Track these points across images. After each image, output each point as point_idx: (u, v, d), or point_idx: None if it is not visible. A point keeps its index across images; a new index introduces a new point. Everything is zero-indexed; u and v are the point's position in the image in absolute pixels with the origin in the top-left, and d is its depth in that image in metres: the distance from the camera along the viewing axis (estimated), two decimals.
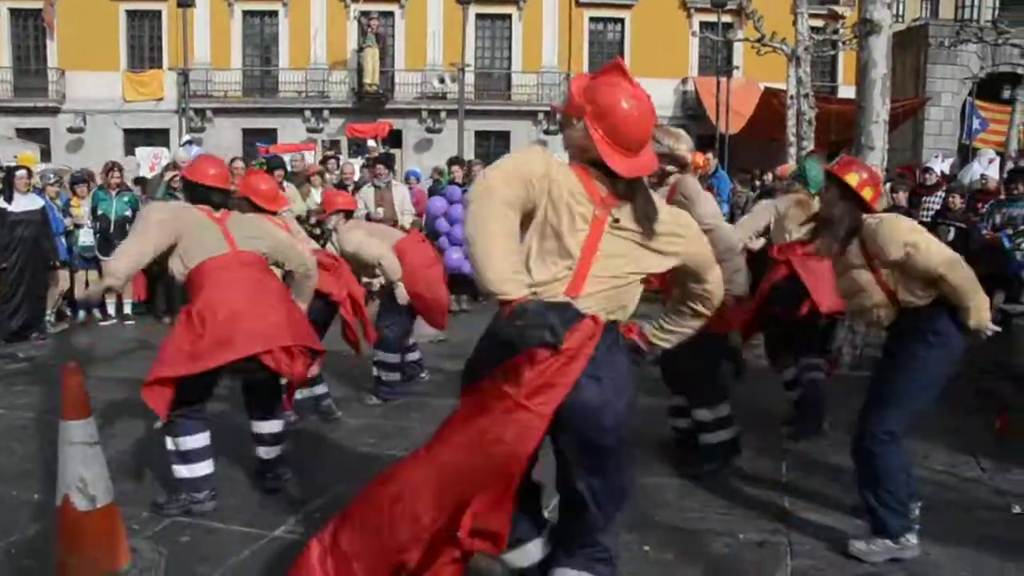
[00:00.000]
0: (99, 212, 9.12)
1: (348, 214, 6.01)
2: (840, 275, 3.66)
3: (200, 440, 3.96)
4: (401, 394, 6.03)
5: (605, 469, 2.56)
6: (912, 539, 3.46)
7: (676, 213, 2.74)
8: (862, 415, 3.56)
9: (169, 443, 3.95)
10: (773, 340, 5.57)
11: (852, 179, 3.55)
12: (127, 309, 9.50)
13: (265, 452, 4.27)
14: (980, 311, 3.46)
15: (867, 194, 3.54)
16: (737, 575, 3.31)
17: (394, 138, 24.05)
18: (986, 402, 5.76)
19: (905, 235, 3.42)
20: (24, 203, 8.40)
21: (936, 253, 3.42)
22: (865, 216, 3.54)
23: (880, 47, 6.80)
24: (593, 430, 2.47)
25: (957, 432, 5.15)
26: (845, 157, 4.10)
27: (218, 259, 3.96)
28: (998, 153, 12.95)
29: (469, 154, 22.52)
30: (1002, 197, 8.80)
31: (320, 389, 5.56)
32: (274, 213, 5.22)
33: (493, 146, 27.84)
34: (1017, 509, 3.94)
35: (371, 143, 18.23)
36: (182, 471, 3.93)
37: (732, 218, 10.99)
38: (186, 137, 14.21)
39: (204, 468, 3.95)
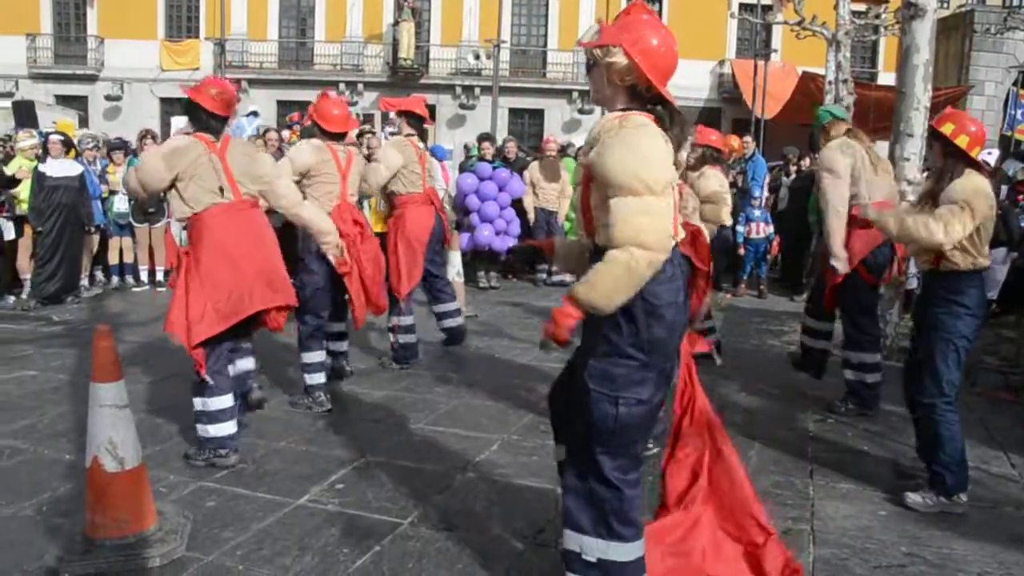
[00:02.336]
0: None
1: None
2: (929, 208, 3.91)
3: (226, 401, 4.13)
4: (425, 367, 6.06)
5: None
6: (963, 498, 3.75)
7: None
8: (913, 389, 3.94)
9: (198, 404, 4.11)
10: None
11: (962, 140, 3.81)
12: (159, 276, 9.60)
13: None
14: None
15: (962, 142, 3.79)
16: None
17: (428, 113, 24.02)
18: (1017, 397, 5.68)
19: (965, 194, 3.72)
20: (63, 168, 8.51)
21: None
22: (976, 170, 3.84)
23: (924, 32, 6.66)
24: None
25: (987, 428, 5.09)
26: (947, 111, 4.15)
27: (222, 206, 4.09)
28: None
29: (503, 132, 22.44)
30: None
31: (342, 346, 5.73)
32: (343, 136, 5.37)
33: (527, 124, 27.73)
34: None
35: (392, 115, 18.17)
36: (209, 430, 4.10)
37: (775, 205, 10.87)
38: (252, 107, 14.24)
39: (229, 428, 4.13)
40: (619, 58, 2.46)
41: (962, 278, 3.82)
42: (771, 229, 10.18)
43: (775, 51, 25.88)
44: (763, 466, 4.29)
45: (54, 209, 8.37)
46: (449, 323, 6.55)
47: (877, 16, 21.14)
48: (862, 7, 24.70)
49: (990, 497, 3.99)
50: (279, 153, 9.82)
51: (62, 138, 8.81)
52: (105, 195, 9.35)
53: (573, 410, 2.61)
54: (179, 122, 15.45)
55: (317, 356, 5.19)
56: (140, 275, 9.59)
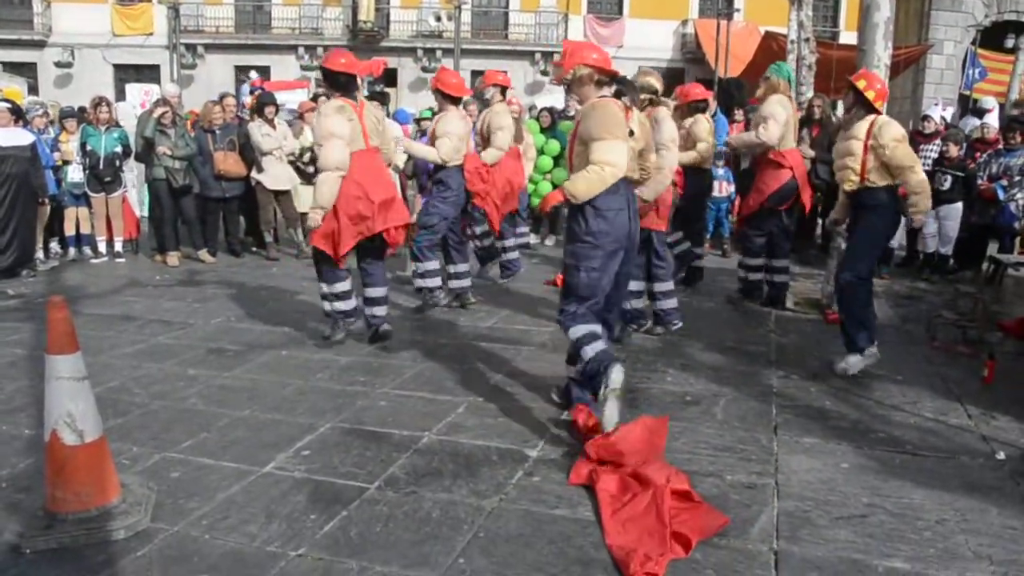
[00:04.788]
0: (88, 148, 8.99)
1: None
2: (842, 142, 5.29)
3: (347, 284, 5.59)
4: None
5: None
6: (873, 349, 5.15)
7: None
8: (840, 269, 5.28)
9: (325, 288, 5.59)
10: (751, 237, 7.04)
11: (869, 94, 5.16)
12: (118, 247, 9.42)
13: (373, 312, 5.72)
14: (924, 202, 5.10)
15: (870, 95, 5.17)
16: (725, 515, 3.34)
17: (389, 77, 23.70)
18: (974, 350, 5.79)
19: (895, 134, 5.05)
20: (12, 138, 8.25)
21: (909, 155, 5.07)
22: (876, 115, 5.17)
23: None
24: None
25: (945, 380, 5.19)
26: (862, 71, 5.81)
27: (362, 153, 5.35)
28: (999, 103, 12.80)
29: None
30: (1000, 147, 8.72)
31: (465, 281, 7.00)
32: (460, 100, 6.75)
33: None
34: (1001, 455, 3.97)
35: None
36: (339, 305, 5.62)
37: (736, 160, 10.90)
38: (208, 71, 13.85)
39: (353, 302, 5.66)
40: (581, 72, 4.07)
41: (880, 190, 5.12)
42: (732, 188, 10.21)
43: (737, 11, 25.83)
44: (728, 422, 4.34)
45: (4, 180, 8.13)
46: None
47: None
48: None
49: (947, 447, 4.08)
50: (236, 120, 9.66)
51: (9, 106, 8.54)
52: (59, 164, 9.11)
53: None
54: (133, 90, 15.13)
55: (433, 264, 6.65)
56: (98, 246, 9.38)
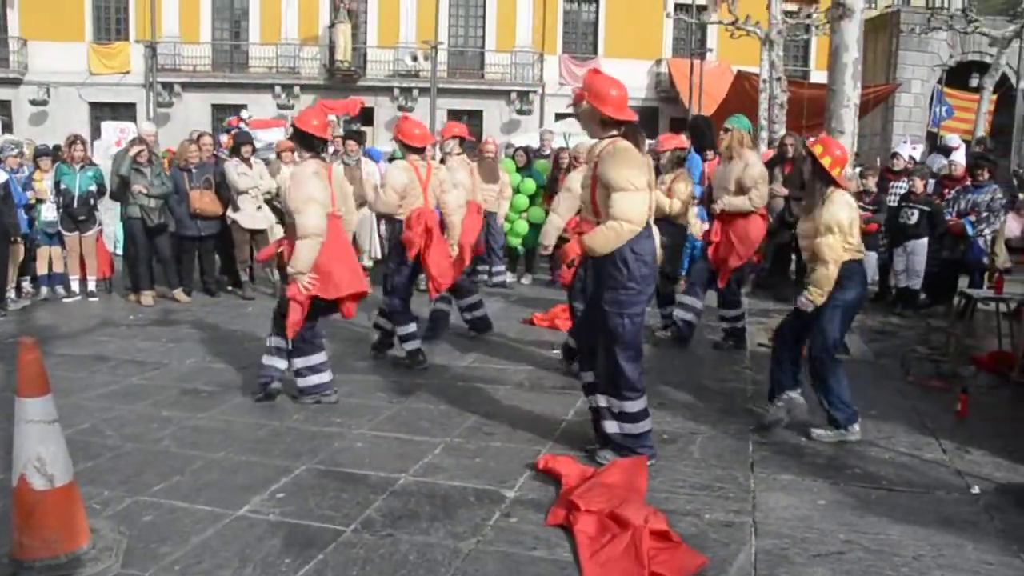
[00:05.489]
0: (62, 186, 8.93)
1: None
2: (804, 223, 4.84)
3: (321, 357, 5.33)
4: (366, 372, 6.00)
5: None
6: (855, 428, 4.71)
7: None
8: (810, 347, 4.81)
9: (300, 362, 5.27)
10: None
11: (826, 160, 4.64)
12: (92, 286, 9.33)
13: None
14: (816, 295, 4.64)
15: (826, 162, 4.64)
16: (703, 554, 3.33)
17: (366, 116, 23.83)
18: (947, 384, 5.85)
19: (833, 218, 4.56)
20: None
21: (833, 248, 4.56)
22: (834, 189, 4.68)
23: (852, 31, 6.83)
24: None
25: (919, 414, 5.23)
26: (822, 136, 5.48)
27: (331, 218, 5.19)
28: (964, 141, 13.07)
29: None
30: (967, 183, 8.89)
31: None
32: (423, 150, 6.41)
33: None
34: (976, 490, 4.00)
35: (331, 118, 18.05)
36: (313, 379, 5.27)
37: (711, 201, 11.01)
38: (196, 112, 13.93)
39: (328, 376, 5.33)
40: (585, 107, 4.06)
41: (850, 264, 4.66)
42: (707, 226, 10.30)
43: (710, 50, 26.30)
44: (705, 460, 4.34)
45: None
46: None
47: (808, 16, 21.64)
48: (794, 7, 25.27)
49: (922, 482, 4.10)
50: (212, 159, 9.65)
51: None
52: (32, 202, 9.03)
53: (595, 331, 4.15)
54: (109, 128, 15.10)
55: (410, 328, 6.27)
56: (71, 285, 9.28)
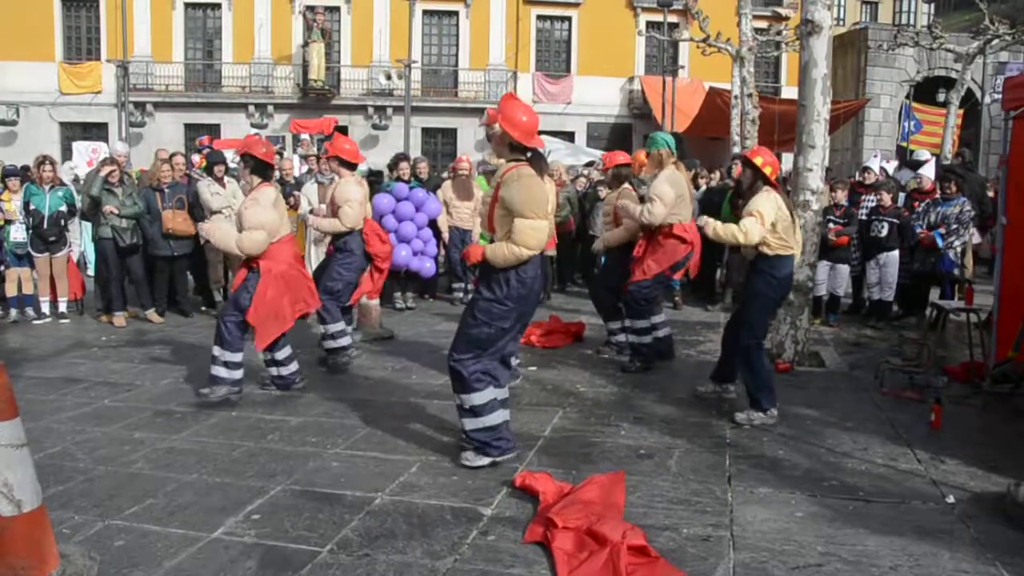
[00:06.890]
0: (32, 207, 8.83)
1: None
2: (745, 216, 5.22)
3: (240, 356, 5.69)
4: (341, 392, 5.97)
5: None
6: (774, 412, 5.25)
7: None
8: (736, 334, 5.41)
9: (217, 351, 5.66)
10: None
11: (758, 160, 5.27)
12: (62, 307, 9.21)
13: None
14: (723, 230, 5.22)
15: (768, 171, 5.23)
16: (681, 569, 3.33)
17: (340, 134, 23.76)
18: (921, 395, 5.90)
19: (757, 206, 5.12)
20: None
21: (751, 227, 5.09)
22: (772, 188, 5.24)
23: (820, 48, 6.91)
24: None
25: (894, 425, 5.27)
26: (755, 147, 6.04)
27: (289, 239, 5.78)
28: (933, 155, 13.26)
29: (416, 151, 22.41)
30: (937, 196, 9.02)
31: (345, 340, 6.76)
32: (356, 166, 6.83)
33: (440, 143, 27.75)
34: (951, 499, 4.03)
35: (304, 137, 18.08)
36: (235, 374, 5.70)
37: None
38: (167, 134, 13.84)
39: (241, 373, 5.75)
40: (498, 129, 4.22)
41: (776, 258, 5.19)
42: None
43: (682, 67, 26.59)
44: (682, 474, 4.34)
45: None
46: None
47: (778, 33, 21.91)
48: (764, 24, 25.62)
49: (898, 492, 4.13)
50: (185, 179, 9.57)
51: None
52: (0, 224, 8.92)
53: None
54: (80, 147, 14.98)
55: (339, 325, 6.68)
56: (41, 307, 9.16)
